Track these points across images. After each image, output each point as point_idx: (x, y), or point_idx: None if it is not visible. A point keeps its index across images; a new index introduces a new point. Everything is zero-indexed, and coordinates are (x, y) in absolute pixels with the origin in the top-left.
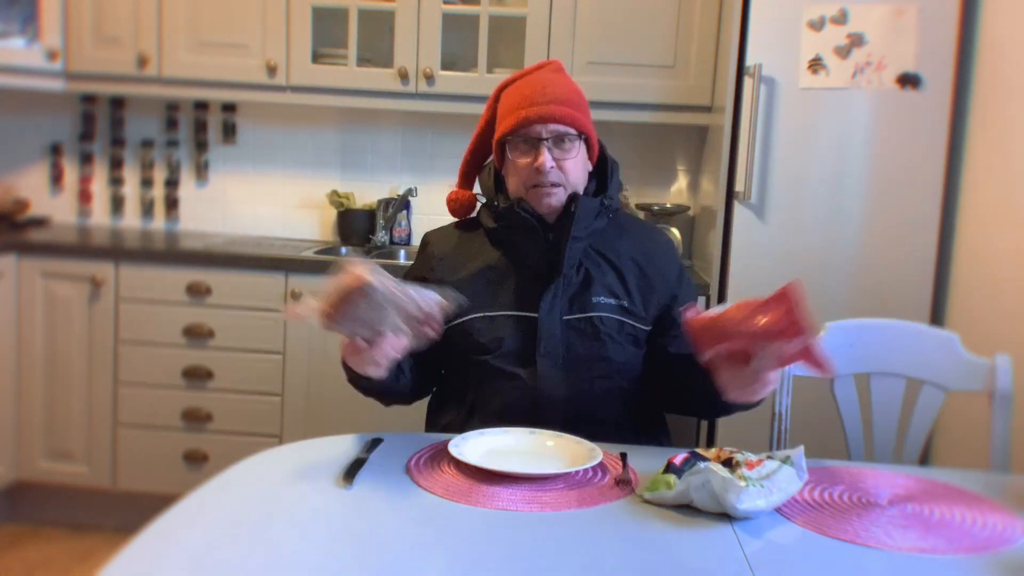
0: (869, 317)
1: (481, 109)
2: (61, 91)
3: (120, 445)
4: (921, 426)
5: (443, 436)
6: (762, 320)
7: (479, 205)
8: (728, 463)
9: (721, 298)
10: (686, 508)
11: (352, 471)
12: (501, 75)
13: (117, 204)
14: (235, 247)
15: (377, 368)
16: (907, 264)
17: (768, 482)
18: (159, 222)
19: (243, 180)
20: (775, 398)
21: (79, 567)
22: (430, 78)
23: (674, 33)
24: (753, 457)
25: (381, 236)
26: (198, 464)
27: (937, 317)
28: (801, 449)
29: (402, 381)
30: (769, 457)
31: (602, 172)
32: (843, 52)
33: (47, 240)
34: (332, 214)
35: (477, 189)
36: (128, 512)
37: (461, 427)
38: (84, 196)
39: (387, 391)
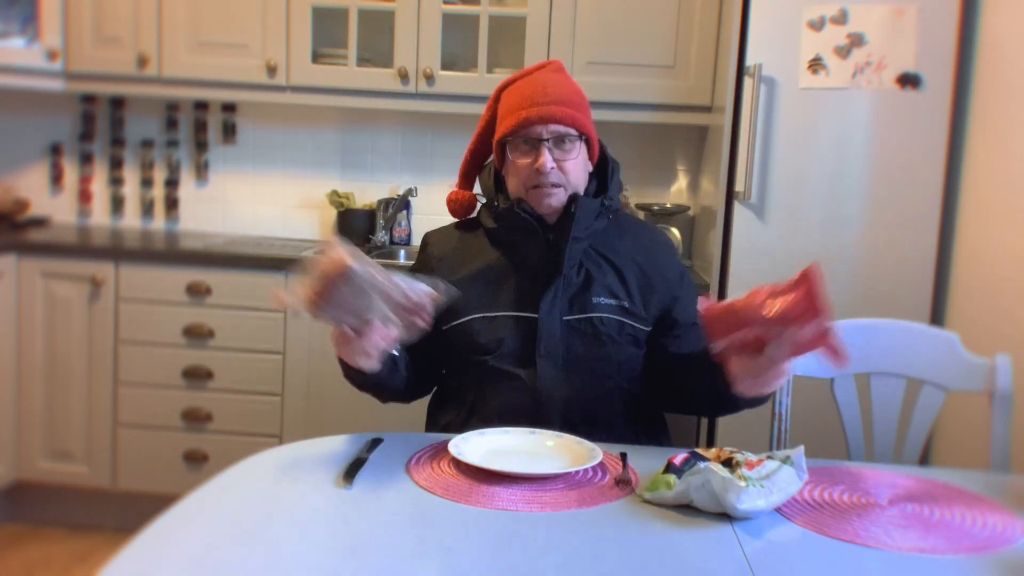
0: (869, 317)
1: (481, 109)
2: (61, 91)
3: (120, 445)
4: (921, 426)
5: (443, 436)
6: (781, 303)
7: (479, 205)
8: (728, 463)
9: (721, 298)
10: (686, 508)
11: (352, 471)
12: (501, 75)
13: (117, 204)
14: (235, 247)
15: (368, 360)
16: (907, 264)
17: (768, 482)
18: (159, 222)
19: (243, 180)
20: (775, 398)
21: (79, 567)
22: (430, 78)
23: (674, 33)
24: (753, 457)
25: (381, 236)
26: (198, 464)
27: (937, 317)
28: (801, 449)
29: (397, 377)
30: (769, 457)
31: (603, 172)
32: (843, 52)
33: (47, 240)
34: (332, 214)
35: (477, 189)
36: (128, 512)
37: (461, 427)
38: (84, 196)
39: (382, 386)
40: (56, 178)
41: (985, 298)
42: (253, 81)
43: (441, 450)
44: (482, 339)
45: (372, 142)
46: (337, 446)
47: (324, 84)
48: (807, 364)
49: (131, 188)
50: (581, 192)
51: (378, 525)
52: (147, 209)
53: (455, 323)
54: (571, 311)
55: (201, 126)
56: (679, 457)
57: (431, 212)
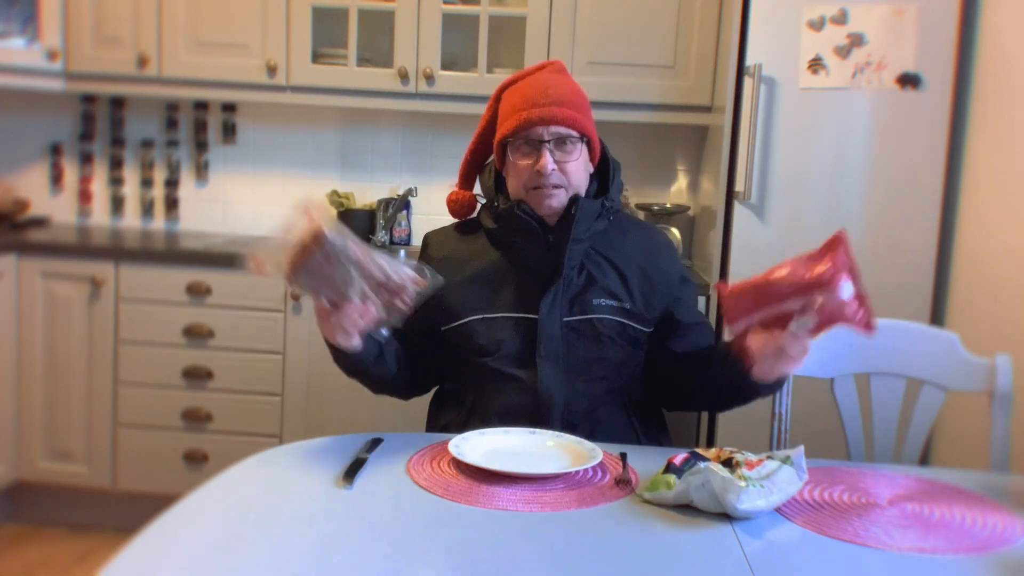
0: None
1: (481, 109)
2: (61, 91)
3: (120, 445)
4: (921, 426)
5: (443, 436)
6: (814, 268)
7: (479, 206)
8: (728, 463)
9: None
10: (686, 508)
11: (352, 471)
12: (501, 75)
13: (117, 204)
14: (235, 247)
15: (347, 337)
16: (907, 264)
17: (768, 482)
18: (159, 222)
19: (243, 180)
20: (775, 398)
21: (79, 567)
22: (430, 78)
23: (674, 33)
24: (753, 457)
25: (381, 236)
26: (198, 464)
27: (937, 317)
28: (801, 449)
29: (384, 367)
30: (769, 457)
31: (604, 173)
32: (843, 52)
33: (47, 240)
34: (332, 214)
35: (477, 189)
36: (128, 512)
37: (461, 427)
38: (84, 196)
39: (368, 373)
40: (56, 178)
41: (985, 298)
42: (253, 81)
43: (441, 450)
44: (482, 340)
45: (372, 142)
46: (337, 446)
47: (324, 84)
48: (807, 364)
49: (131, 188)
50: (582, 193)
51: (378, 525)
52: (147, 209)
53: (454, 324)
54: (571, 312)
55: (201, 126)
56: (679, 457)
57: (431, 212)
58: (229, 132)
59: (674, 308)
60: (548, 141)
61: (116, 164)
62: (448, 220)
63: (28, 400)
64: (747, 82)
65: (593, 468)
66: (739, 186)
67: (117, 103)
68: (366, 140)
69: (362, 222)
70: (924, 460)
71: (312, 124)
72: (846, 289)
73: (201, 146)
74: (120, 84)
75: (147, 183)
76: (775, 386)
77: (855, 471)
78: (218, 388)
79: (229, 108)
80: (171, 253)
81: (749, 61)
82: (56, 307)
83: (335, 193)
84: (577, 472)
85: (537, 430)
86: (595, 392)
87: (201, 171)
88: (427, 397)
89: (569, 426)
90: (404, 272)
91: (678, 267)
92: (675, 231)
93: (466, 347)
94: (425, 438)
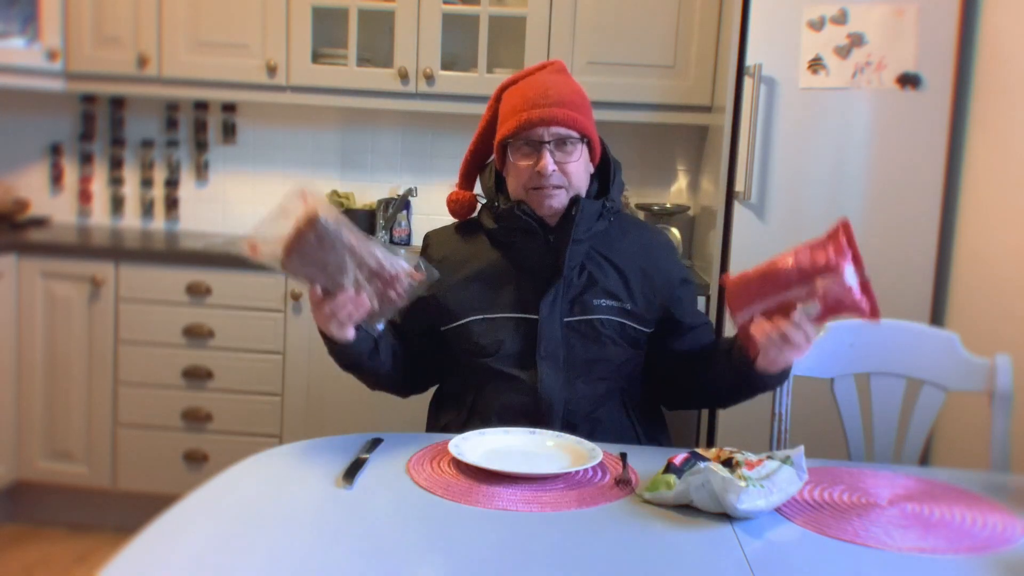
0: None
1: (481, 109)
2: (61, 91)
3: (120, 445)
4: (921, 426)
5: (443, 436)
6: (817, 255)
7: (479, 206)
8: (728, 463)
9: (721, 298)
10: (686, 508)
11: (352, 471)
12: (501, 75)
13: (117, 204)
14: (235, 247)
15: (341, 328)
16: (907, 264)
17: (768, 482)
18: (159, 222)
19: (243, 180)
20: (775, 398)
21: (79, 567)
22: (430, 78)
23: (674, 33)
24: (753, 457)
25: (381, 236)
26: (198, 464)
27: (937, 317)
28: (801, 449)
29: (379, 363)
30: (769, 457)
31: (604, 173)
32: (843, 52)
33: (47, 240)
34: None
35: (478, 189)
36: (128, 512)
37: (461, 428)
38: (84, 196)
39: (362, 367)
40: (56, 178)
41: (985, 298)
42: (253, 81)
43: (441, 450)
44: (482, 340)
45: (372, 142)
46: (337, 446)
47: (324, 84)
48: (807, 364)
49: (131, 188)
50: (583, 193)
51: (378, 525)
52: (147, 209)
53: (455, 324)
54: (572, 312)
55: (201, 126)
56: (679, 457)
57: (431, 212)
58: (229, 132)
59: (675, 309)
60: (548, 142)
61: (116, 164)
62: (448, 220)
63: (28, 400)
64: (747, 82)
65: (593, 468)
66: (739, 186)
67: (117, 103)
68: (366, 140)
69: (362, 222)
70: (924, 460)
71: (312, 124)
72: (849, 275)
73: (201, 146)
74: (120, 84)
75: (147, 183)
76: (779, 378)
77: (855, 471)
78: (218, 388)
79: (229, 108)
80: (171, 253)
81: (749, 61)
82: (56, 307)
83: (335, 193)
84: (577, 472)
85: (537, 430)
86: (595, 392)
87: (201, 171)
88: (427, 397)
89: (569, 426)
90: (399, 263)
91: (678, 267)
92: (675, 231)
93: (466, 347)
94: (425, 438)
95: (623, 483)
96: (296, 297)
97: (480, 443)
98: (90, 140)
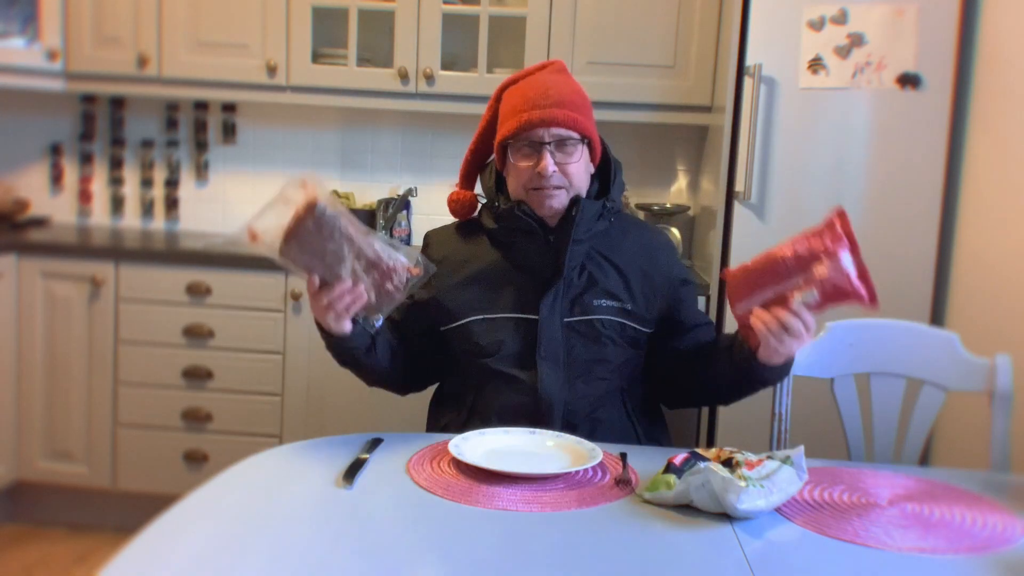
0: (869, 317)
1: (481, 109)
2: (61, 91)
3: (120, 445)
4: (921, 426)
5: (443, 436)
6: (813, 241)
7: (480, 206)
8: (728, 463)
9: (721, 298)
10: (686, 508)
11: (352, 471)
12: (501, 75)
13: (117, 204)
14: (235, 247)
15: (337, 319)
16: (907, 264)
17: (768, 482)
18: (159, 222)
19: (243, 180)
20: (775, 398)
21: (79, 567)
22: (430, 78)
23: (674, 33)
24: (753, 457)
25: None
26: (198, 464)
27: (937, 317)
28: (801, 449)
29: (376, 360)
30: (769, 457)
31: (605, 173)
32: (843, 52)
33: (47, 240)
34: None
35: (478, 189)
36: (128, 512)
37: (461, 428)
38: (84, 196)
39: (359, 363)
40: (56, 178)
41: (985, 298)
42: (253, 81)
43: (441, 450)
44: (482, 341)
45: (372, 142)
46: (337, 446)
47: (324, 84)
48: (807, 364)
49: (131, 188)
50: (583, 194)
51: (378, 525)
52: (147, 209)
53: (454, 324)
54: (572, 313)
55: (201, 126)
56: (679, 457)
57: (431, 212)
58: (229, 132)
59: (676, 309)
60: (549, 143)
61: (116, 164)
62: (448, 219)
63: (28, 400)
64: (747, 82)
65: (593, 468)
66: (739, 186)
67: (117, 103)
68: (366, 140)
69: (362, 222)
70: (924, 460)
71: (312, 124)
72: (846, 260)
73: (201, 146)
74: (120, 84)
75: (147, 183)
76: (781, 371)
77: (855, 471)
78: (218, 388)
79: (229, 108)
80: (171, 253)
81: (749, 61)
82: (56, 307)
83: (335, 193)
84: (577, 472)
85: (537, 430)
86: (595, 393)
87: (201, 171)
88: (427, 397)
89: (569, 426)
90: (397, 256)
91: (679, 268)
92: (675, 231)
93: (466, 347)
94: (425, 438)
95: (623, 483)
96: (296, 297)
97: (480, 443)
98: (90, 140)
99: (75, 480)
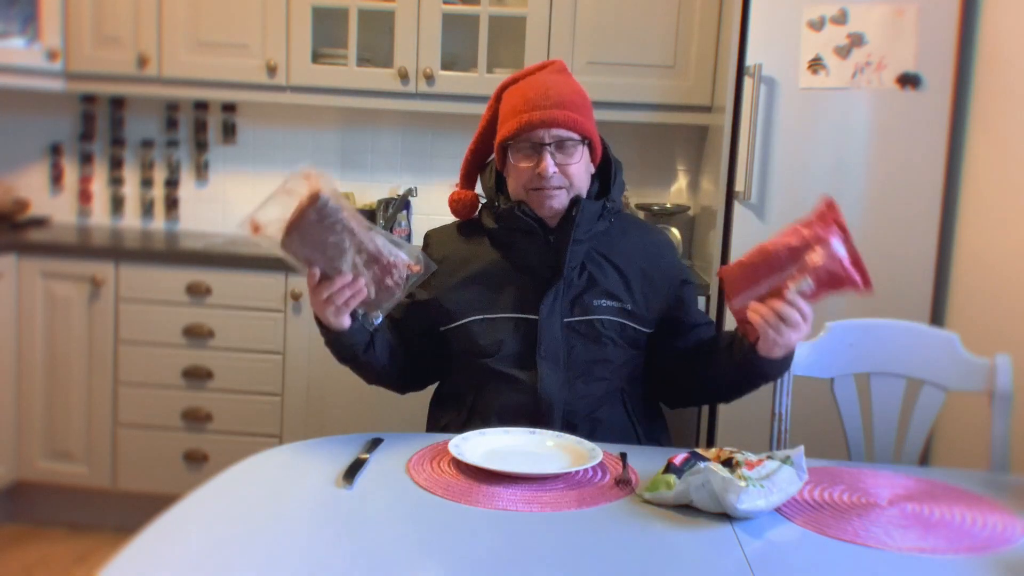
0: (869, 317)
1: (481, 109)
2: (61, 91)
3: (120, 445)
4: (921, 426)
5: (443, 436)
6: (807, 231)
7: (480, 205)
8: (728, 463)
9: (721, 297)
10: (686, 508)
11: (352, 471)
12: (501, 75)
13: (117, 204)
14: (235, 247)
15: (336, 314)
16: (907, 264)
17: (768, 482)
18: (159, 222)
19: (243, 180)
20: (775, 398)
21: (79, 567)
22: (430, 78)
23: (674, 33)
24: (753, 457)
25: None
26: (198, 464)
27: (937, 317)
28: (801, 449)
29: (375, 358)
30: (769, 457)
31: (605, 173)
32: (843, 52)
33: (47, 240)
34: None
35: (478, 189)
36: (128, 512)
37: (461, 428)
38: (84, 196)
39: (358, 360)
40: (56, 178)
41: (985, 298)
42: (253, 81)
43: (441, 450)
44: (482, 341)
45: (372, 142)
46: (337, 446)
47: (324, 84)
48: (807, 364)
49: (131, 188)
50: (584, 194)
51: (378, 525)
52: (147, 209)
53: (454, 324)
54: (572, 313)
55: (201, 126)
56: (679, 457)
57: (431, 212)
58: (229, 132)
59: (676, 309)
60: (549, 143)
61: (116, 164)
62: (449, 219)
63: (28, 400)
64: (747, 82)
65: (593, 468)
66: (739, 186)
67: (117, 103)
68: (366, 140)
69: None
70: (924, 460)
71: (312, 124)
72: (837, 245)
73: (201, 146)
74: (120, 84)
75: (147, 183)
76: (782, 364)
77: (855, 471)
78: (218, 388)
79: (229, 108)
80: (171, 253)
81: (749, 61)
82: (56, 307)
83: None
84: (577, 472)
85: (537, 430)
86: (595, 393)
87: (201, 171)
88: (427, 397)
89: (569, 426)
90: (398, 252)
91: (679, 268)
92: (675, 231)
93: (466, 347)
94: (425, 438)
95: (623, 483)
96: (296, 297)
97: (480, 443)
98: (90, 140)
99: (75, 480)
